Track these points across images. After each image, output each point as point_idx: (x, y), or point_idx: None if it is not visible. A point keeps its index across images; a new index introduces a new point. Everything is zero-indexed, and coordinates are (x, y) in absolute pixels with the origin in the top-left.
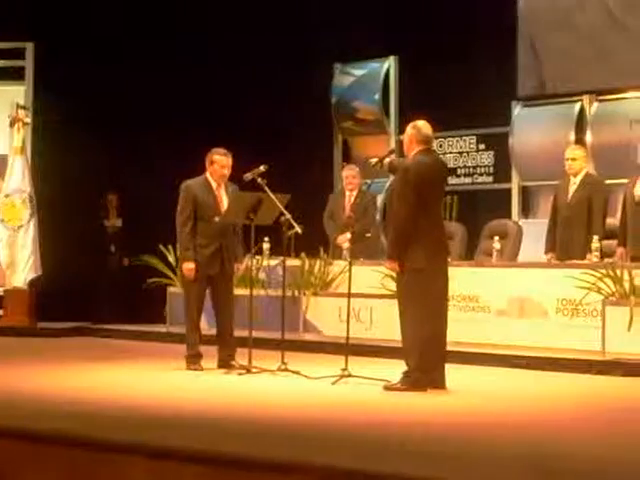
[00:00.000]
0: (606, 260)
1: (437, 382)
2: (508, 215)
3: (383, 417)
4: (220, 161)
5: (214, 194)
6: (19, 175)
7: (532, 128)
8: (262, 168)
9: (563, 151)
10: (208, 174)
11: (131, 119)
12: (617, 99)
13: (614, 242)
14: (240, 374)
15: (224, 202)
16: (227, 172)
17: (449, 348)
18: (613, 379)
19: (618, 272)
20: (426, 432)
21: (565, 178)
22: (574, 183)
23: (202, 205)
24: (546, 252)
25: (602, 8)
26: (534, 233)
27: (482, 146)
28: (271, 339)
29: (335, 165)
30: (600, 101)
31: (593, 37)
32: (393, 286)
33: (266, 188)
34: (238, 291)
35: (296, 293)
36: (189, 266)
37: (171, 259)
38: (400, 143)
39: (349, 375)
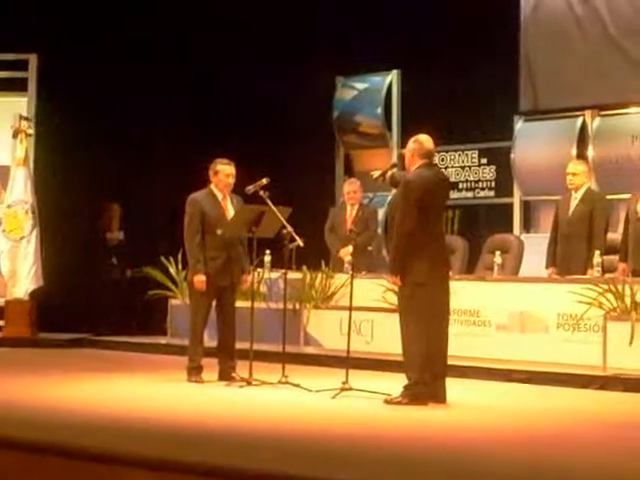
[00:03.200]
0: (607, 275)
1: (438, 396)
2: (509, 230)
3: (383, 431)
4: (224, 170)
5: (220, 206)
6: (21, 186)
7: (534, 143)
8: (264, 181)
9: (565, 166)
10: (213, 186)
11: (133, 131)
12: (619, 114)
13: (615, 257)
14: (241, 386)
15: (230, 213)
16: (232, 181)
17: (450, 362)
18: (614, 395)
19: (619, 287)
20: (426, 446)
21: (566, 193)
22: (575, 198)
23: (209, 217)
24: (547, 267)
25: (599, 27)
26: (535, 248)
27: (484, 160)
28: (272, 352)
29: (337, 178)
30: (602, 116)
31: (591, 54)
32: (394, 300)
33: (268, 201)
34: (239, 304)
35: (297, 306)
36: (200, 278)
37: (172, 271)
38: (402, 157)
39: (350, 388)
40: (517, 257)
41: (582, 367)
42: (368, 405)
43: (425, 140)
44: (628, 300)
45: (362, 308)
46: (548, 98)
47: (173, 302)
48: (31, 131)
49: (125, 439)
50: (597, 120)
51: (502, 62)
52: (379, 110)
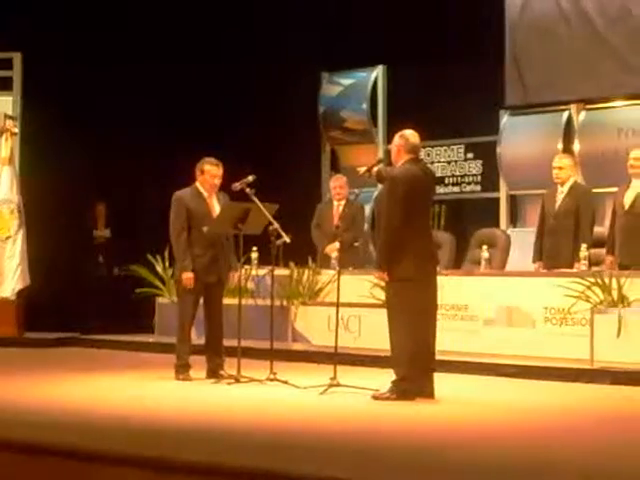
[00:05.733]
0: (594, 269)
1: (425, 391)
2: (496, 224)
3: (371, 427)
4: (211, 171)
5: (206, 203)
6: (7, 185)
7: (520, 137)
8: (250, 178)
9: (551, 160)
10: (198, 183)
11: (120, 129)
12: (605, 108)
13: (602, 251)
14: (229, 384)
15: (216, 211)
16: (217, 182)
17: (437, 357)
18: (602, 387)
19: (606, 280)
20: (414, 441)
21: (553, 187)
22: (562, 192)
23: (194, 215)
24: (534, 261)
25: (586, 22)
26: (522, 242)
27: (470, 155)
28: (260, 349)
29: (323, 174)
30: (588, 110)
31: (577, 49)
32: (382, 295)
33: (254, 198)
34: (226, 301)
35: (285, 303)
36: (188, 275)
37: (159, 269)
38: (388, 152)
39: (338, 384)
40: (504, 251)
41: (570, 361)
42: (356, 401)
43: (411, 135)
44: (615, 293)
45: (349, 304)
46: (534, 92)
47: (160, 300)
48: (16, 130)
49: (114, 438)
50: (583, 114)
51: (487, 57)
52: (365, 106)
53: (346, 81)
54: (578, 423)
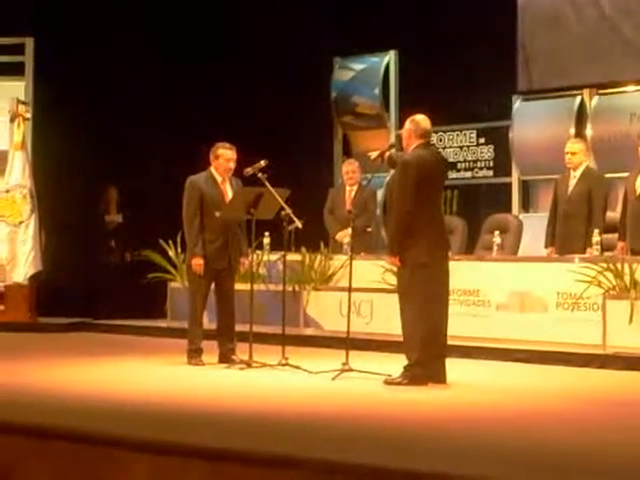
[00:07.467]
0: (606, 254)
1: (438, 376)
2: (508, 209)
3: (383, 412)
4: (225, 155)
5: (219, 188)
6: (19, 170)
7: (532, 122)
8: (262, 163)
9: (563, 145)
10: (212, 168)
11: (132, 114)
12: (617, 93)
13: (614, 236)
14: (241, 369)
15: (229, 196)
16: (232, 165)
17: (449, 342)
18: (614, 373)
19: (619, 266)
20: (426, 426)
21: (565, 172)
22: (574, 177)
23: (208, 200)
24: (546, 246)
25: (597, 10)
26: (534, 227)
27: (482, 140)
28: (272, 334)
29: (335, 160)
30: (600, 95)
31: (586, 35)
32: (394, 280)
33: (266, 183)
34: (238, 286)
35: (297, 288)
36: (198, 261)
37: (172, 254)
38: (399, 137)
39: (350, 370)
40: (516, 237)
41: (582, 346)
42: (368, 386)
43: (422, 120)
44: (627, 278)
45: (361, 289)
46: (546, 77)
47: (172, 285)
48: (29, 115)
49: (126, 422)
50: (595, 99)
51: (500, 41)
52: (377, 91)
53: (358, 66)
54: (591, 408)
